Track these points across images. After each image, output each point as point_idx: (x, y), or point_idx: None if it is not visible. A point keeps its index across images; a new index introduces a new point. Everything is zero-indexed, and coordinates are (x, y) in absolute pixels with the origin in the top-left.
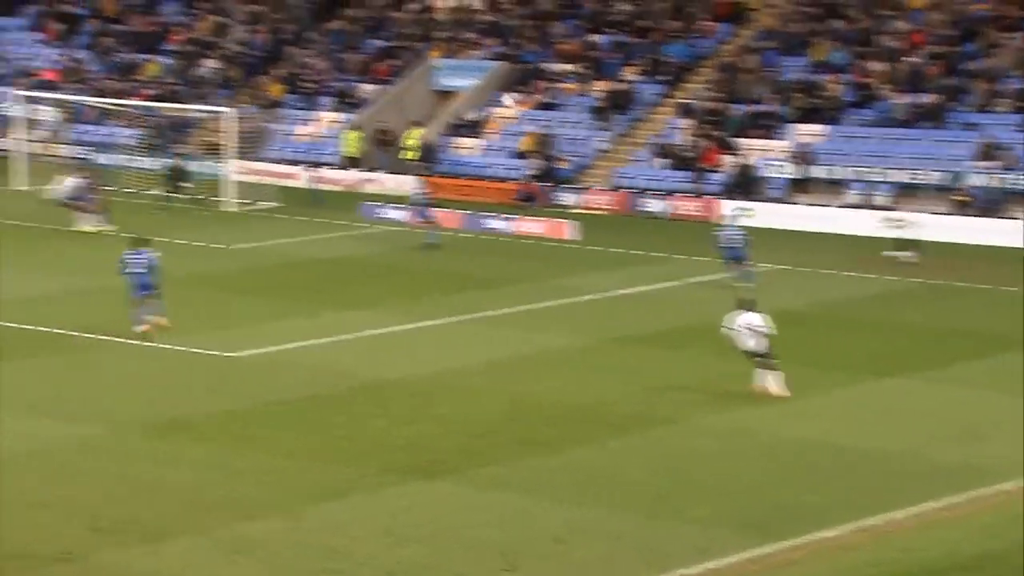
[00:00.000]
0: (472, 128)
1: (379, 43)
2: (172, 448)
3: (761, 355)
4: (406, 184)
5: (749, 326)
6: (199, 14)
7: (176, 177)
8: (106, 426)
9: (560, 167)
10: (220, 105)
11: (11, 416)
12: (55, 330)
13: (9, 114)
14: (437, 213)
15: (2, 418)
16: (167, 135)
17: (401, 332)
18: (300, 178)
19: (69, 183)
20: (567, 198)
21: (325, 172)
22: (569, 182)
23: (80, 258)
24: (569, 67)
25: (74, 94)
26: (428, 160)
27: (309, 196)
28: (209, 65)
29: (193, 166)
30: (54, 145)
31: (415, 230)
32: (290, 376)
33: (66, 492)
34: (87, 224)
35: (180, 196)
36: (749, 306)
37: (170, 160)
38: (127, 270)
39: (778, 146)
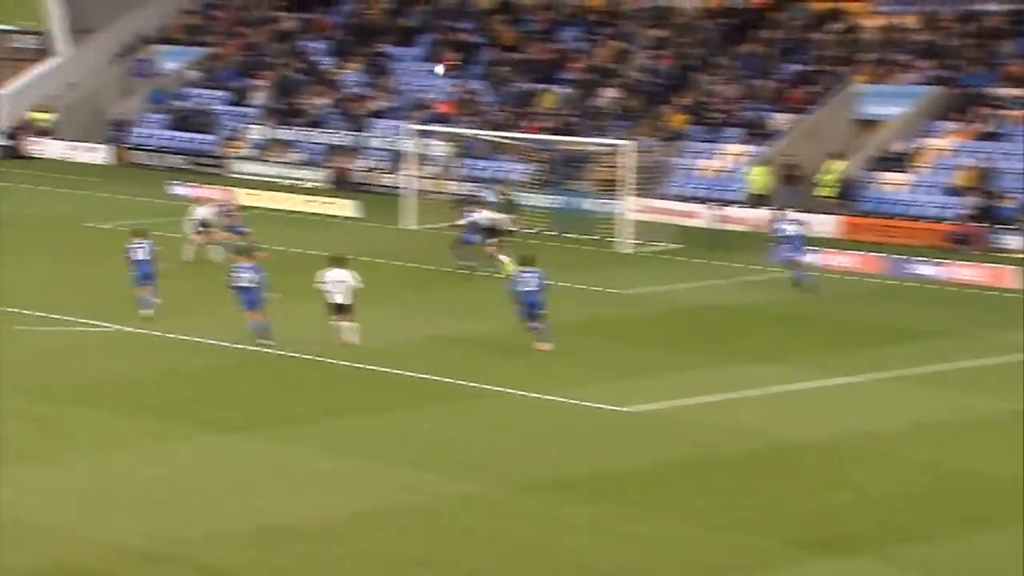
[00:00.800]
0: (899, 161)
1: (795, 67)
2: (556, 508)
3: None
4: (815, 223)
5: None
6: (599, 40)
7: (570, 215)
8: (488, 481)
9: (1002, 205)
10: (618, 137)
11: (395, 469)
12: (438, 378)
13: (402, 149)
14: (852, 256)
15: (386, 471)
16: (561, 170)
17: (811, 389)
18: (702, 217)
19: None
20: (1010, 241)
21: (730, 211)
22: (1013, 223)
23: (462, 301)
24: (1017, 92)
25: (467, 127)
26: (847, 197)
27: (710, 237)
28: (608, 95)
29: (587, 203)
30: (443, 181)
31: (823, 275)
32: (686, 434)
33: (448, 551)
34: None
35: (574, 235)
36: None
37: (563, 196)
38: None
39: None
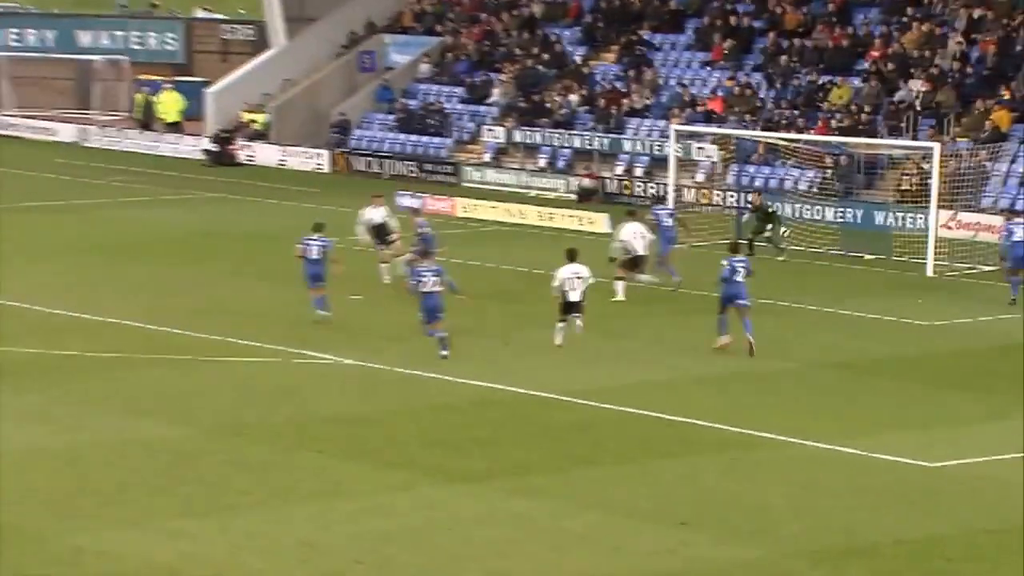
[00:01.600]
0: None
1: None
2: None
3: None
4: None
5: None
6: (903, 23)
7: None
8: (769, 546)
9: None
10: (924, 139)
11: (654, 528)
12: (703, 423)
13: (663, 153)
14: None
15: (644, 530)
16: (853, 178)
17: None
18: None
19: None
20: None
21: None
22: None
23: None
24: None
25: (740, 127)
26: None
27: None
28: (913, 88)
29: (884, 217)
30: (708, 191)
31: None
32: (1004, 496)
33: None
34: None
35: (867, 254)
36: None
37: (855, 209)
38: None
39: None
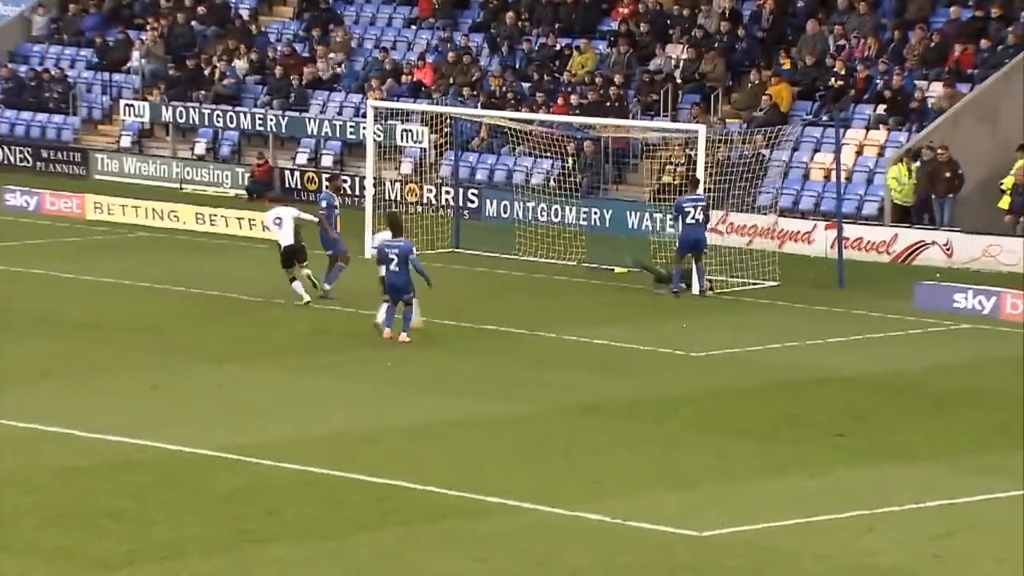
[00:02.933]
0: None
1: None
2: None
3: None
4: None
5: None
6: None
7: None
8: None
9: None
10: (690, 119)
11: None
12: None
13: (361, 137)
14: None
15: None
16: (602, 169)
17: None
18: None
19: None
20: None
21: None
22: None
23: None
24: None
25: (454, 103)
26: None
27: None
28: (674, 54)
29: (642, 219)
30: (417, 186)
31: None
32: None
33: None
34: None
35: (617, 268)
36: None
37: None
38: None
39: None
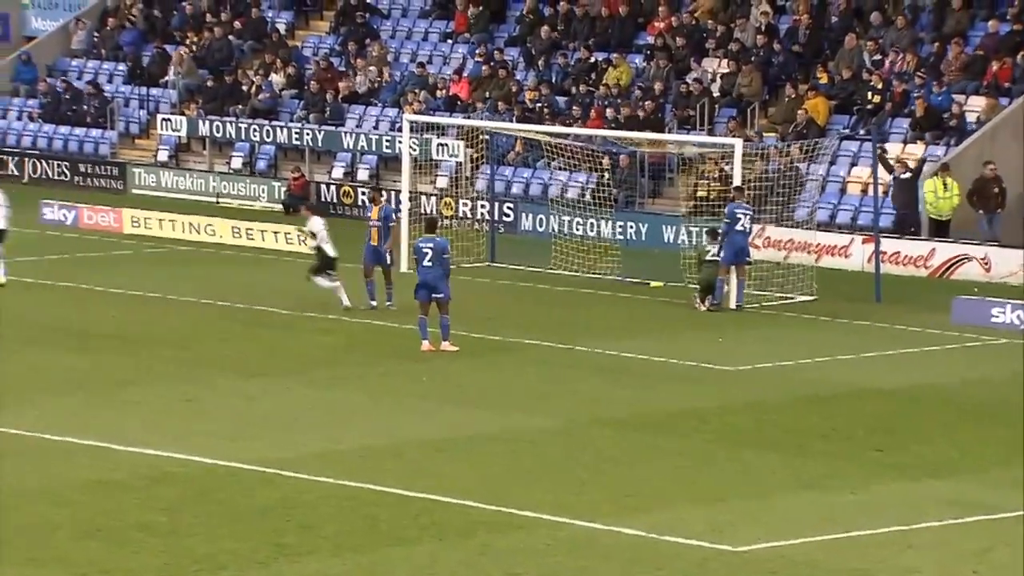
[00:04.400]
0: None
1: None
2: None
3: None
4: None
5: None
6: None
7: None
8: None
9: None
10: (726, 133)
11: None
12: None
13: (396, 151)
14: None
15: None
16: (637, 183)
17: None
18: None
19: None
20: None
21: None
22: None
23: None
24: None
25: (490, 117)
26: None
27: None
28: (711, 68)
29: (677, 233)
30: (452, 200)
31: None
32: None
33: None
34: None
35: (652, 282)
36: None
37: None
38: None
39: None
